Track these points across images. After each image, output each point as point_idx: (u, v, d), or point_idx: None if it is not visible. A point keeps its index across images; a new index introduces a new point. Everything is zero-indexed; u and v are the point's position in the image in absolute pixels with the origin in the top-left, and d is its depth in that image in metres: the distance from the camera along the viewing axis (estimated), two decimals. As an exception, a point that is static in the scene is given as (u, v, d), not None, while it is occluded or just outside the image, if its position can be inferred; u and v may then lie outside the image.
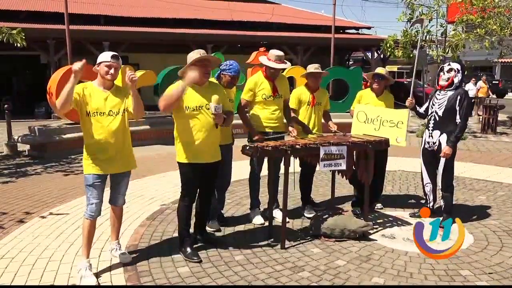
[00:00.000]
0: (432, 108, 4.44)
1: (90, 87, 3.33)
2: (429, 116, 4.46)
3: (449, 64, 4.38)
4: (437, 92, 4.45)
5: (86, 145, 3.34)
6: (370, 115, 4.60)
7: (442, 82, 4.36)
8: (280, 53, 4.36)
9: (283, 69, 4.52)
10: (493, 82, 28.08)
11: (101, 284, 3.21)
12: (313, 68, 4.65)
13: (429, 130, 4.45)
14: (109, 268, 3.44)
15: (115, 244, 3.64)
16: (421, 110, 4.66)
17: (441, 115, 4.31)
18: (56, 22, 14.23)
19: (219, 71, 4.19)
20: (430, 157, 4.51)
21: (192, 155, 3.53)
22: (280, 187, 4.33)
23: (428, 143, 4.47)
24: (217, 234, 4.18)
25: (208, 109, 3.46)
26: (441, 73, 4.40)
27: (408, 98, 4.74)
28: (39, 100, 15.17)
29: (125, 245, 3.88)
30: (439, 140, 4.35)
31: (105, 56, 3.30)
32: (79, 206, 5.02)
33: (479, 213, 4.86)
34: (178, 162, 3.60)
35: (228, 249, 3.81)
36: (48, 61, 15.27)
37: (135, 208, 4.96)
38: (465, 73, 4.40)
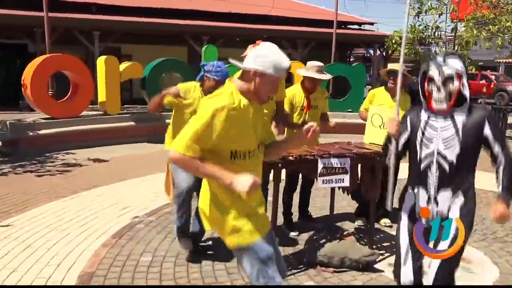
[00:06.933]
0: (425, 148, 2.34)
1: (243, 105, 1.98)
2: (423, 166, 2.35)
3: (442, 65, 2.26)
4: (430, 118, 2.34)
5: (223, 204, 2.07)
6: (387, 118, 3.88)
7: (439, 105, 2.28)
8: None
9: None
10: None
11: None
12: (314, 70, 3.86)
13: (427, 190, 2.37)
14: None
15: None
16: (400, 144, 2.46)
17: (455, 162, 2.28)
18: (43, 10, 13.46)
19: (202, 72, 3.42)
20: (421, 237, 2.28)
21: None
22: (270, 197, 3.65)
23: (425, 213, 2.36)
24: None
25: None
26: (431, 87, 2.29)
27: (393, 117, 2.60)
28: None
29: (78, 271, 3.21)
30: (449, 207, 2.35)
31: (278, 66, 1.98)
32: (39, 217, 4.34)
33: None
34: None
35: None
36: (35, 50, 14.53)
37: (103, 220, 4.29)
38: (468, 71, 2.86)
